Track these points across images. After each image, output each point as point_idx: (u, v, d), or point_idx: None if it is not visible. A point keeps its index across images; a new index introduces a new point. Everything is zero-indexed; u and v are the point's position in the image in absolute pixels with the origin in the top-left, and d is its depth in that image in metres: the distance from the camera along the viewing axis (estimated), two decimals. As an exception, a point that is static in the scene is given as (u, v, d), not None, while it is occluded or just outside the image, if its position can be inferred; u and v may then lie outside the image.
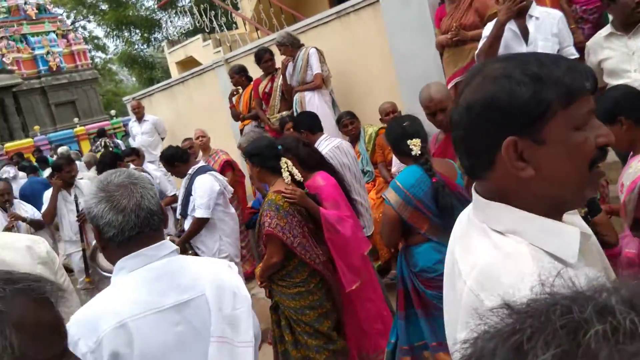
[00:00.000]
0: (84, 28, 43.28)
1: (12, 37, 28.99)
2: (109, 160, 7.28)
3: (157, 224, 2.07)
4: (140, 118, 11.73)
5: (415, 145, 3.81)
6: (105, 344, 1.87)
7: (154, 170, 8.64)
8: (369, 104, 7.23)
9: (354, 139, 6.80)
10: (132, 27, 22.02)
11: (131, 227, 1.98)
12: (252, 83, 8.62)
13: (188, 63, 13.88)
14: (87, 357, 1.85)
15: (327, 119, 7.39)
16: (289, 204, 4.22)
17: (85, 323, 1.91)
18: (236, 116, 8.86)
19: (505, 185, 1.34)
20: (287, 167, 4.35)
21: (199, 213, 5.76)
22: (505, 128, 1.27)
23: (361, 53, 7.59)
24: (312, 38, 8.00)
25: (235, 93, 8.82)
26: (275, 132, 7.97)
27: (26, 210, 7.47)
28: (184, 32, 13.90)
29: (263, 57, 8.05)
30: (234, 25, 13.70)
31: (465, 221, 1.53)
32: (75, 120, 27.81)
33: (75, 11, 43.17)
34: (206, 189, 5.80)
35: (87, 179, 7.79)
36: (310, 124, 6.01)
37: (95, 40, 43.22)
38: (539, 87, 1.25)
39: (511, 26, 4.81)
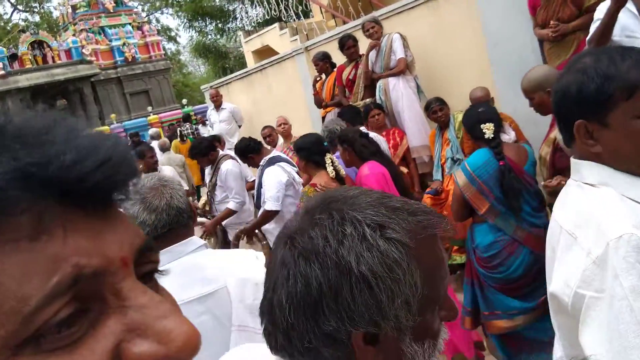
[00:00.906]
0: (157, 20, 43.93)
1: (91, 30, 29.48)
2: (203, 147, 7.13)
3: (186, 220, 2.22)
4: (218, 106, 11.63)
5: (488, 129, 3.97)
6: None
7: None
8: (457, 90, 6.90)
9: (444, 126, 6.45)
10: (207, 18, 21.94)
11: (163, 225, 2.14)
12: (335, 70, 8.38)
13: (264, 52, 13.72)
14: None
15: (413, 106, 7.12)
16: None
17: None
18: (319, 103, 8.62)
19: (584, 156, 1.62)
20: (331, 162, 4.56)
21: (267, 206, 5.64)
22: (577, 112, 1.58)
23: (449, 38, 7.25)
24: (396, 24, 7.68)
25: (318, 80, 8.58)
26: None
27: None
28: (260, 21, 13.70)
29: (346, 43, 7.77)
30: (310, 14, 13.44)
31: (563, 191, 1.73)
32: (149, 109, 28.16)
33: (149, 4, 43.90)
34: (273, 181, 5.67)
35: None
36: (352, 116, 6.67)
37: (167, 32, 43.77)
38: (603, 82, 1.51)
39: (629, 6, 4.41)
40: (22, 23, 43.67)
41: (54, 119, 0.54)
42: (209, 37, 23.15)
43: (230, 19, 22.75)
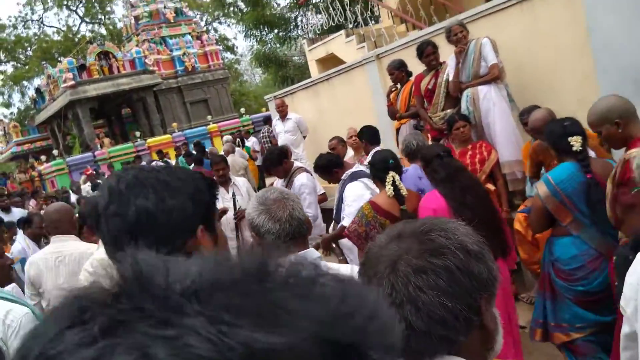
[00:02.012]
0: (215, 30, 43.98)
1: (153, 40, 29.45)
2: (275, 156, 6.52)
3: (305, 230, 2.37)
4: (283, 116, 10.99)
5: (576, 141, 3.88)
6: None
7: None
8: (554, 99, 5.97)
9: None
10: (268, 26, 21.32)
11: (286, 234, 2.29)
12: (410, 79, 7.54)
13: (328, 60, 12.91)
14: None
15: (505, 116, 6.24)
16: (373, 216, 4.39)
17: None
18: (393, 114, 7.79)
19: None
20: (392, 180, 4.42)
21: (346, 221, 5.08)
22: None
23: (545, 43, 6.30)
24: (483, 28, 6.78)
25: (393, 89, 7.74)
26: (437, 131, 6.89)
27: None
28: (325, 28, 12.88)
29: (425, 50, 6.90)
30: (374, 20, 12.58)
31: None
32: (208, 117, 27.94)
33: (207, 14, 43.93)
34: (355, 198, 5.16)
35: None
36: (371, 136, 6.72)
37: (225, 41, 43.72)
38: None
39: None
40: (89, 34, 44.44)
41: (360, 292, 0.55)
42: (269, 45, 22.49)
43: (292, 27, 22.06)
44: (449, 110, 6.74)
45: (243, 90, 46.50)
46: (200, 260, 0.55)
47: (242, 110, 28.97)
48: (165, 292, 0.49)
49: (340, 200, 5.55)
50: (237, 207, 6.57)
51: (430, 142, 6.97)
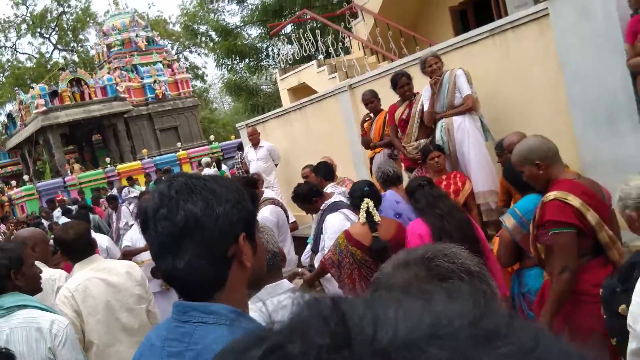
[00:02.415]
0: (186, 59, 43.98)
1: (125, 68, 29.43)
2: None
3: (278, 262, 2.47)
4: (255, 144, 10.82)
5: None
6: None
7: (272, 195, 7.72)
8: (525, 131, 5.86)
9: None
10: (239, 56, 21.28)
11: None
12: (383, 109, 7.49)
13: (299, 89, 12.83)
14: None
15: (480, 147, 6.19)
16: (345, 245, 4.42)
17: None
18: (367, 144, 7.69)
19: None
20: (366, 207, 4.43)
21: (322, 264, 4.85)
22: None
23: (518, 75, 6.28)
24: (456, 59, 6.74)
25: (367, 119, 7.66)
26: (411, 161, 6.82)
27: None
28: (297, 58, 12.81)
29: (399, 81, 6.83)
30: (344, 51, 12.56)
31: None
32: (178, 144, 27.79)
33: (178, 42, 43.93)
34: (335, 230, 4.92)
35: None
36: (326, 172, 6.58)
37: (195, 70, 43.73)
38: None
39: None
40: (62, 61, 44.20)
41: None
42: (240, 74, 22.46)
43: (262, 57, 22.04)
44: (422, 140, 6.67)
45: (212, 118, 46.56)
46: (408, 305, 0.50)
47: (212, 137, 28.80)
48: (383, 345, 0.45)
49: (320, 230, 5.42)
50: None
51: (404, 171, 6.93)
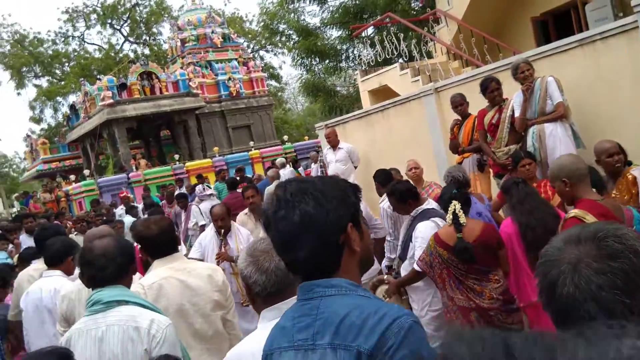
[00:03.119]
0: (261, 58, 44.51)
1: (199, 63, 30.09)
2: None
3: (291, 281, 2.30)
4: (334, 145, 11.27)
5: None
6: None
7: None
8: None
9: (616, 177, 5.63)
10: (318, 56, 21.85)
11: (272, 285, 2.39)
12: (472, 114, 7.89)
13: (380, 92, 13.32)
14: None
15: (570, 153, 6.47)
16: (434, 246, 4.85)
17: (235, 357, 2.41)
18: (455, 148, 8.12)
19: None
20: (453, 209, 4.77)
21: (418, 265, 5.12)
22: None
23: (607, 84, 6.66)
24: (544, 68, 7.11)
25: (457, 123, 8.06)
26: (500, 166, 7.18)
27: None
28: (379, 60, 13.32)
29: (489, 86, 7.28)
30: (426, 55, 13.00)
31: None
32: (251, 143, 28.25)
33: (255, 41, 44.61)
34: (426, 239, 5.14)
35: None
36: (384, 179, 7.27)
37: (270, 70, 44.24)
38: None
39: None
40: (132, 54, 45.04)
41: None
42: (318, 75, 22.97)
43: (342, 59, 22.58)
44: (512, 146, 7.05)
45: (285, 119, 47.12)
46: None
47: (285, 137, 29.39)
48: None
49: (409, 238, 5.67)
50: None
51: (492, 177, 7.35)
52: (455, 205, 4.79)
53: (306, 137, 31.05)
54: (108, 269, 3.14)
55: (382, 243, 7.26)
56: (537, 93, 6.71)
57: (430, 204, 5.75)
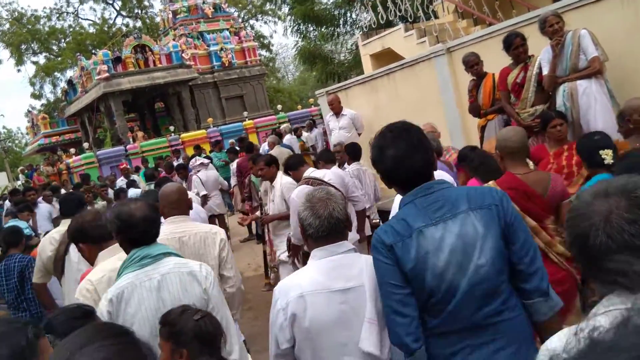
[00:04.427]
0: (252, 27, 43.89)
1: (191, 35, 29.43)
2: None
3: (342, 228, 2.78)
4: (337, 113, 10.55)
5: (607, 154, 4.13)
6: (290, 307, 2.68)
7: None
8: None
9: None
10: (315, 23, 20.91)
11: (323, 229, 2.72)
12: (489, 73, 7.14)
13: (383, 55, 12.49)
14: (280, 312, 2.71)
15: (607, 112, 5.81)
16: None
17: (283, 288, 2.78)
18: (476, 110, 7.35)
19: None
20: None
21: None
22: None
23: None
24: (576, 19, 6.32)
25: (476, 84, 7.31)
26: (526, 129, 6.43)
27: None
28: (381, 22, 12.40)
29: (514, 41, 6.48)
30: (429, 15, 12.13)
31: None
32: (244, 114, 27.73)
33: (245, 10, 43.87)
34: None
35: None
36: (355, 152, 8.13)
37: (261, 39, 43.63)
38: None
39: None
40: (125, 28, 44.48)
41: None
42: (314, 42, 22.07)
43: (340, 24, 21.62)
44: (539, 106, 6.33)
45: (278, 88, 46.48)
46: None
47: (279, 107, 28.70)
48: None
49: None
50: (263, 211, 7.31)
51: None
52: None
53: (299, 106, 30.47)
54: (151, 231, 3.30)
55: (362, 215, 6.96)
56: (569, 48, 5.94)
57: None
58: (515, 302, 2.50)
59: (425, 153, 2.56)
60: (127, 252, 3.29)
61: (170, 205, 4.35)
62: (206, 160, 12.99)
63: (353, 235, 6.31)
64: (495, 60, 7.03)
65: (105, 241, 3.81)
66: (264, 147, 16.13)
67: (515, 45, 6.46)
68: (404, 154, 2.52)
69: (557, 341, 1.60)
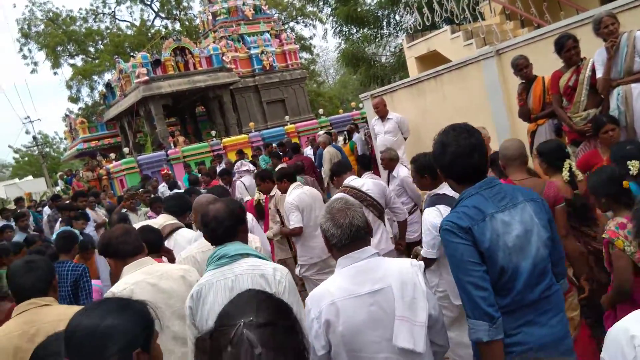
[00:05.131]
0: (292, 29, 43.89)
1: (231, 37, 29.38)
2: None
3: (363, 235, 2.99)
4: (383, 116, 10.63)
5: (633, 166, 4.25)
6: (323, 314, 2.85)
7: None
8: None
9: None
10: (358, 24, 20.90)
11: (346, 238, 2.94)
12: (538, 76, 7.17)
13: (428, 58, 12.55)
14: (314, 321, 2.87)
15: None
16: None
17: (315, 298, 2.95)
18: (526, 115, 7.36)
19: None
20: (569, 167, 5.11)
21: (424, 252, 4.86)
22: None
23: None
24: (630, 21, 6.34)
25: (525, 87, 7.33)
26: (578, 133, 6.47)
27: None
28: (427, 23, 12.45)
29: (566, 44, 6.52)
30: (475, 17, 12.14)
31: None
32: (286, 118, 27.73)
33: (285, 12, 43.92)
34: (428, 227, 4.76)
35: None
36: (365, 164, 8.03)
37: (302, 41, 43.60)
38: None
39: None
40: (163, 30, 44.62)
41: None
42: (357, 44, 22.03)
43: (383, 25, 21.60)
44: (591, 110, 6.36)
45: (319, 91, 46.48)
46: None
47: (321, 111, 28.74)
48: None
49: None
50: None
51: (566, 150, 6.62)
52: (570, 163, 5.16)
53: (340, 110, 30.36)
54: (219, 230, 3.54)
55: (403, 225, 7.08)
56: (624, 50, 5.96)
57: (444, 187, 5.06)
58: (554, 279, 3.04)
59: (483, 152, 2.97)
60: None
61: None
62: (252, 167, 13.14)
63: (387, 245, 6.57)
64: (545, 63, 7.06)
65: (130, 257, 3.87)
66: (306, 152, 16.29)
67: (567, 47, 6.49)
68: (464, 151, 2.93)
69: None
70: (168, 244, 5.18)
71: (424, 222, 4.91)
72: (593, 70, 6.33)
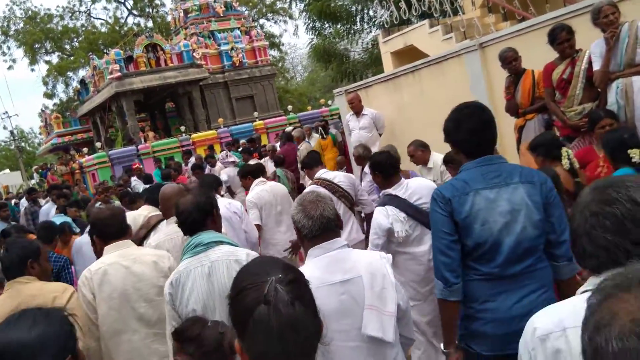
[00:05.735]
0: (262, 27, 43.44)
1: (202, 34, 28.83)
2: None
3: (333, 227, 2.94)
4: (358, 112, 10.03)
5: (635, 154, 4.19)
6: None
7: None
8: None
9: None
10: (331, 20, 20.21)
11: (316, 229, 2.89)
12: (527, 69, 6.60)
13: (404, 53, 11.92)
14: None
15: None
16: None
17: None
18: (513, 109, 6.78)
19: None
20: (567, 155, 4.91)
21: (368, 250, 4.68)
22: None
23: None
24: (632, 10, 5.78)
25: (512, 81, 6.75)
26: (572, 128, 5.91)
27: None
28: (404, 18, 11.80)
29: (559, 35, 5.93)
30: (454, 11, 11.54)
31: None
32: (255, 114, 27.24)
33: (256, 9, 43.39)
34: (374, 228, 4.61)
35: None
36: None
37: (271, 38, 43.18)
38: None
39: None
40: (136, 27, 44.34)
41: None
42: (329, 39, 21.36)
43: (357, 20, 20.93)
44: (587, 104, 5.80)
45: (287, 88, 46.09)
46: None
47: (290, 107, 28.13)
48: None
49: None
50: None
51: (561, 140, 6.07)
52: (568, 151, 4.95)
53: (309, 107, 29.90)
54: (188, 221, 3.59)
55: (370, 218, 6.52)
56: (625, 41, 5.40)
57: (399, 187, 4.75)
58: (544, 258, 3.04)
59: (494, 130, 3.10)
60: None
61: (171, 208, 4.51)
62: (237, 159, 12.94)
63: (358, 235, 6.53)
64: (534, 55, 6.50)
65: (113, 239, 4.03)
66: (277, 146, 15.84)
67: (560, 39, 5.92)
68: (479, 127, 3.03)
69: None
70: (155, 235, 5.09)
71: (372, 220, 4.70)
72: (590, 63, 5.76)
